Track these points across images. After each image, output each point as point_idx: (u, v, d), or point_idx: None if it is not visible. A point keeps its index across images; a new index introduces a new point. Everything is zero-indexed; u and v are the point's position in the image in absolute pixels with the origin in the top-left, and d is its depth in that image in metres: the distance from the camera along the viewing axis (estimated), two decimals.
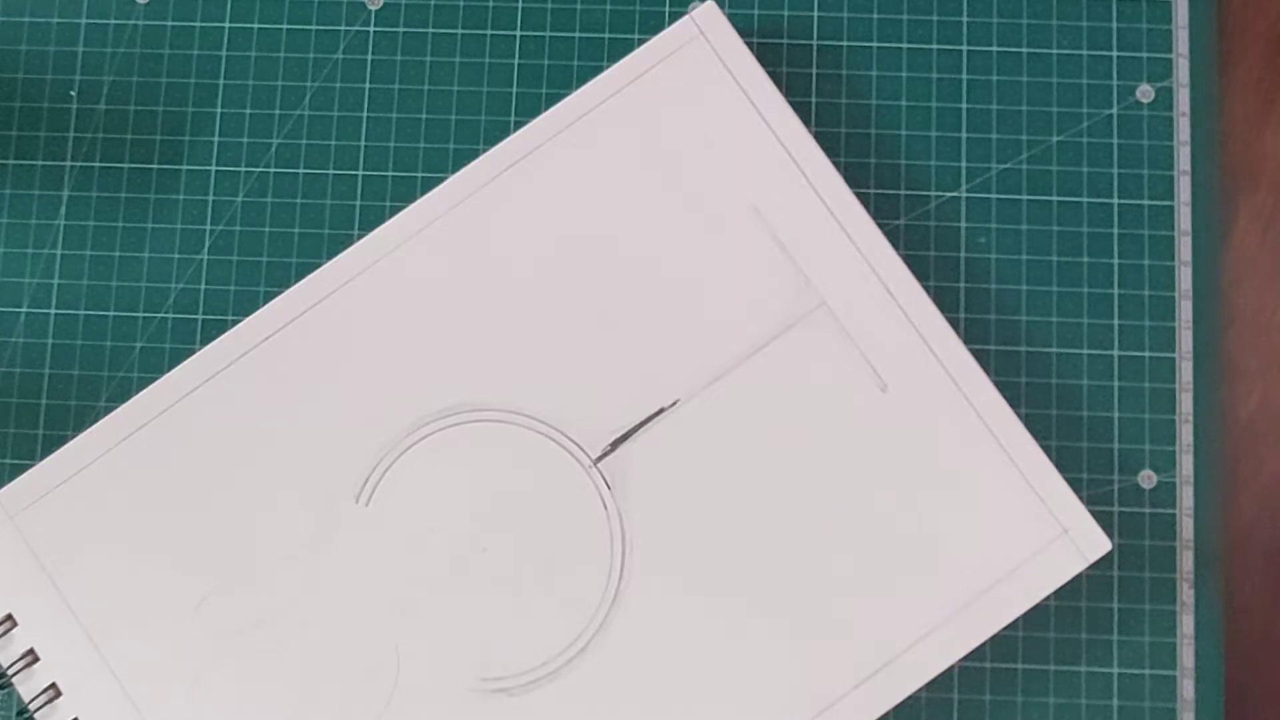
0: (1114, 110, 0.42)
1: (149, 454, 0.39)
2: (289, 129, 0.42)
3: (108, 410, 0.39)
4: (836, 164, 0.40)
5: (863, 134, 0.42)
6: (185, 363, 0.39)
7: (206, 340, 0.40)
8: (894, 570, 0.38)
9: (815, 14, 0.43)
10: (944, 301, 0.40)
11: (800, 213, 0.40)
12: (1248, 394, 0.42)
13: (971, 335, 0.41)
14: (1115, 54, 0.42)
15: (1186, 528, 0.41)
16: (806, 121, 0.40)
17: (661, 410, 0.39)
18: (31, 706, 0.38)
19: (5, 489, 0.39)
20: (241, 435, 0.39)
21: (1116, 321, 0.41)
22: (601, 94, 0.40)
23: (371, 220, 0.41)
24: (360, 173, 0.42)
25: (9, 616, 0.39)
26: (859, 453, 0.37)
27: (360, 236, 0.40)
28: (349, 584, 0.39)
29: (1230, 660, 0.41)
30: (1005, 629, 0.39)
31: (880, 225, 0.40)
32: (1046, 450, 0.39)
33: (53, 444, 0.39)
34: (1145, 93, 0.42)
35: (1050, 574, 0.38)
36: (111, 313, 0.42)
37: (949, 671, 0.40)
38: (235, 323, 0.40)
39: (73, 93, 0.43)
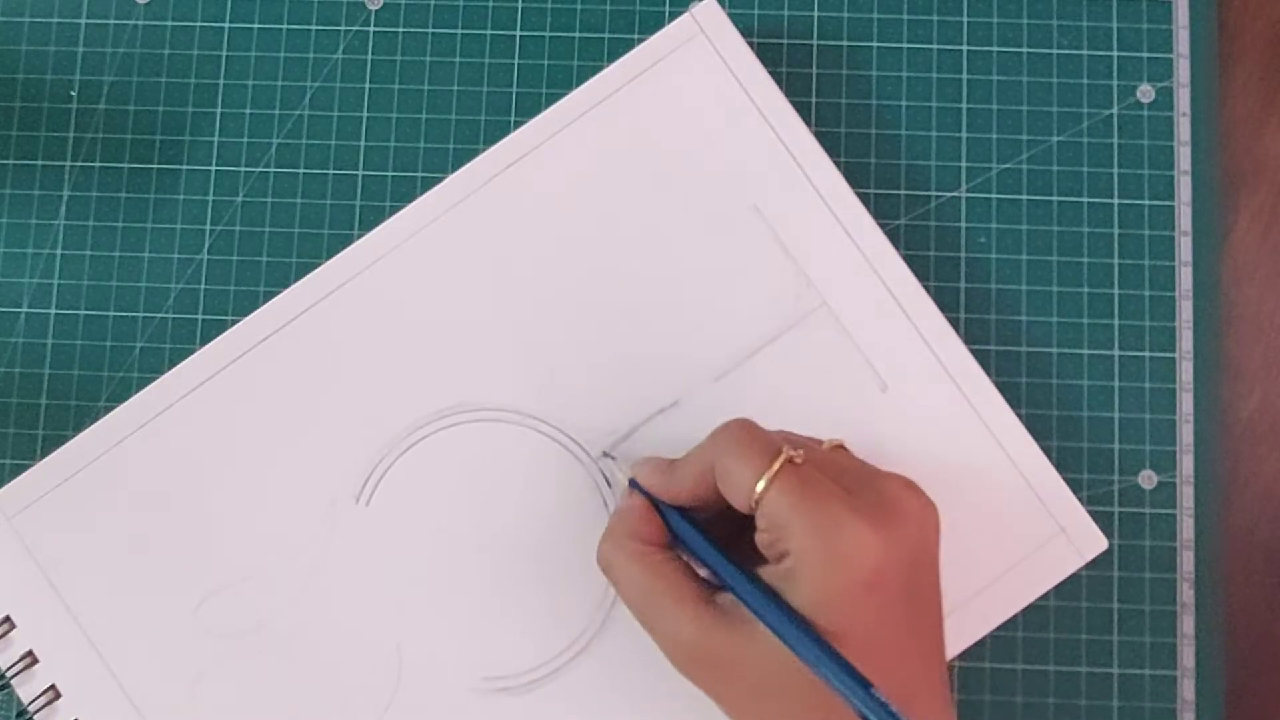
0: (1114, 110, 0.42)
1: (148, 454, 0.39)
2: (289, 129, 0.42)
3: (108, 410, 0.39)
4: (836, 164, 0.40)
5: (863, 134, 0.42)
6: (184, 363, 0.39)
7: (206, 340, 0.40)
8: None
9: (815, 14, 0.43)
10: (944, 301, 0.40)
11: (801, 212, 0.40)
12: (1248, 394, 0.42)
13: (971, 335, 0.41)
14: (1115, 54, 0.42)
15: (1186, 528, 0.41)
16: (806, 121, 0.40)
17: (661, 410, 0.39)
18: (31, 708, 0.38)
19: (3, 490, 0.39)
20: (241, 435, 0.39)
21: (1116, 321, 0.41)
22: (601, 92, 0.40)
23: (371, 220, 0.41)
24: (360, 173, 0.42)
25: (7, 618, 0.38)
26: (858, 452, 0.36)
27: (360, 236, 0.40)
28: (349, 584, 0.39)
29: (1230, 660, 0.41)
30: (1005, 629, 0.39)
31: (880, 225, 0.40)
32: (1047, 450, 0.39)
33: (53, 444, 0.39)
34: (1145, 93, 0.42)
35: (1048, 572, 0.39)
36: (111, 313, 0.42)
37: (948, 671, 0.40)
38: (235, 323, 0.40)
39: (73, 93, 0.43)
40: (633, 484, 0.36)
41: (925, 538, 0.33)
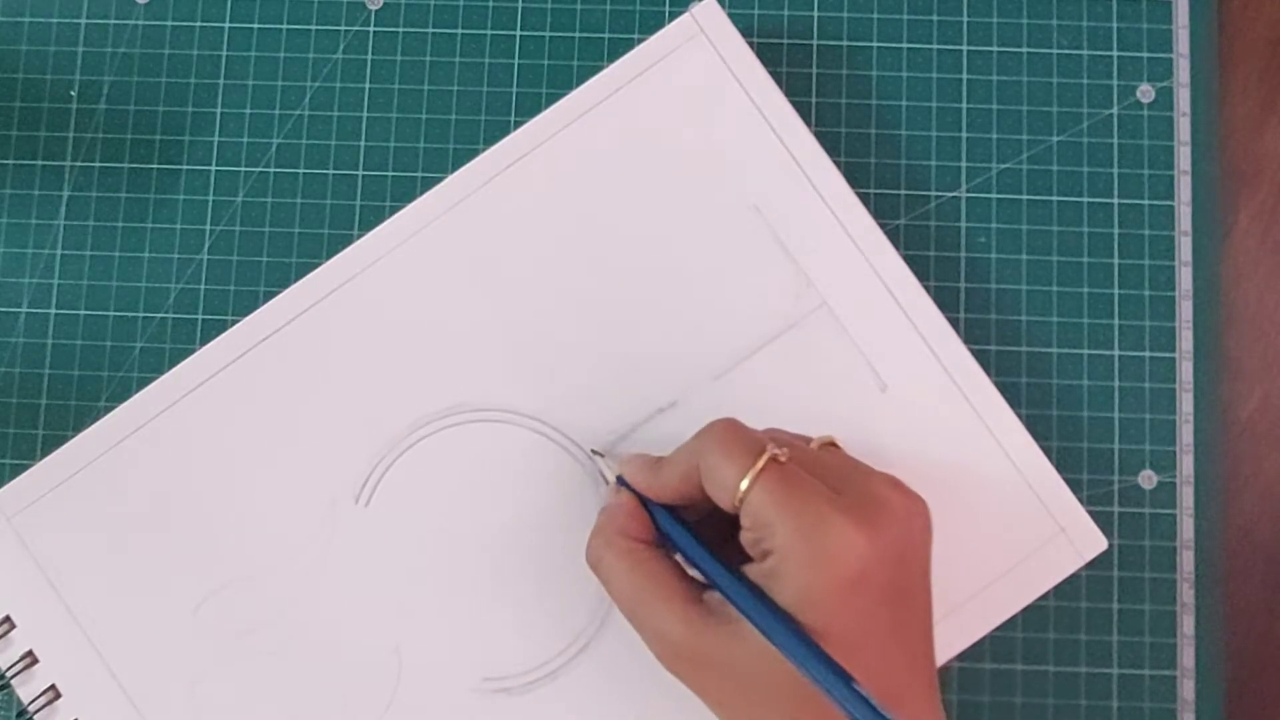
0: (1114, 110, 0.42)
1: (148, 454, 0.39)
2: (289, 129, 0.42)
3: (108, 410, 0.39)
4: (836, 164, 0.40)
5: (863, 134, 0.42)
6: (184, 363, 0.39)
7: (206, 340, 0.40)
8: None
9: (815, 14, 0.43)
10: (944, 301, 0.40)
11: (801, 212, 0.40)
12: (1248, 394, 0.42)
13: (971, 335, 0.41)
14: (1115, 54, 0.42)
15: (1186, 528, 0.41)
16: (806, 121, 0.40)
17: (660, 410, 0.39)
18: (31, 708, 0.38)
19: (3, 490, 0.39)
20: (241, 435, 0.39)
21: (1116, 321, 0.41)
22: (601, 93, 0.40)
23: (371, 220, 0.41)
24: (360, 173, 0.42)
25: (7, 618, 0.38)
26: (858, 452, 0.36)
27: (360, 236, 0.40)
28: (349, 584, 0.39)
29: (1230, 660, 0.41)
30: (1004, 629, 0.39)
31: (880, 225, 0.40)
32: (1047, 450, 0.39)
33: (53, 444, 0.39)
34: (1145, 93, 0.42)
35: (1047, 572, 0.39)
36: (111, 313, 0.42)
37: (947, 671, 0.40)
38: (235, 323, 0.40)
39: (73, 93, 0.43)
40: (620, 481, 0.36)
41: (912, 537, 0.32)
